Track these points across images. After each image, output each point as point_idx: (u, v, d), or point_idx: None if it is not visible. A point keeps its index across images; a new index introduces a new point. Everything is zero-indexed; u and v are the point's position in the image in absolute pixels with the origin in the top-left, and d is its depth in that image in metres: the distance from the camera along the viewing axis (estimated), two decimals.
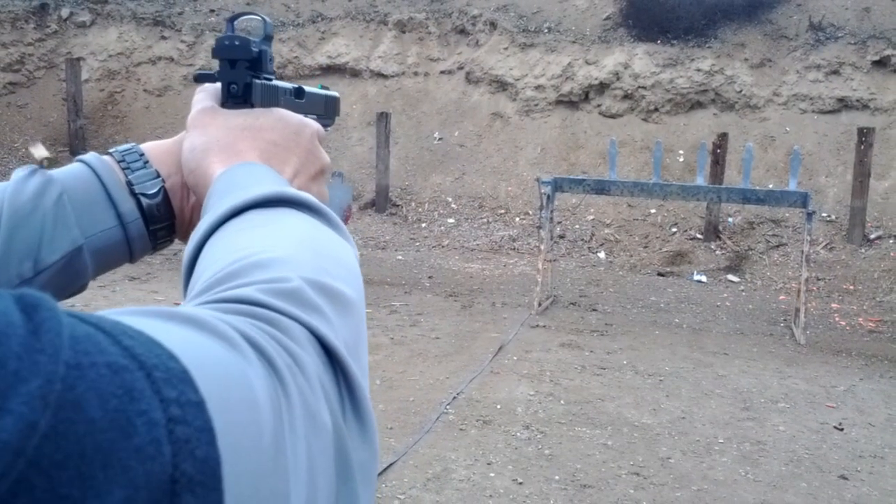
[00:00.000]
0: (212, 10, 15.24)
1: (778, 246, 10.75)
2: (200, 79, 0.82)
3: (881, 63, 12.16)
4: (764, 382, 6.12)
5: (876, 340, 7.77)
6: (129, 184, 0.76)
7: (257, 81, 0.79)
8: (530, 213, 11.66)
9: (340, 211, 8.99)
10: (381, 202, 12.49)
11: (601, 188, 8.26)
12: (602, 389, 5.75)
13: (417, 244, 11.47)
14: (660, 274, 10.29)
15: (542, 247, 8.10)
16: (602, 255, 10.96)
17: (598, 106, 13.07)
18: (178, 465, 0.32)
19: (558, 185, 8.20)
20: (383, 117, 12.34)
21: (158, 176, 0.77)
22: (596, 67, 13.10)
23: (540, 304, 7.95)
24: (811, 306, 8.44)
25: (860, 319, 8.51)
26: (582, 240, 11.30)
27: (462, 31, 14.35)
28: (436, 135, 13.57)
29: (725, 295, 9.37)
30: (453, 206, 12.35)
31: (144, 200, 0.76)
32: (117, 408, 0.31)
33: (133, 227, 0.76)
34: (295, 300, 0.48)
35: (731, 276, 10.13)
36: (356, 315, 0.54)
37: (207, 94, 0.80)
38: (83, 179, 0.74)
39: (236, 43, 0.79)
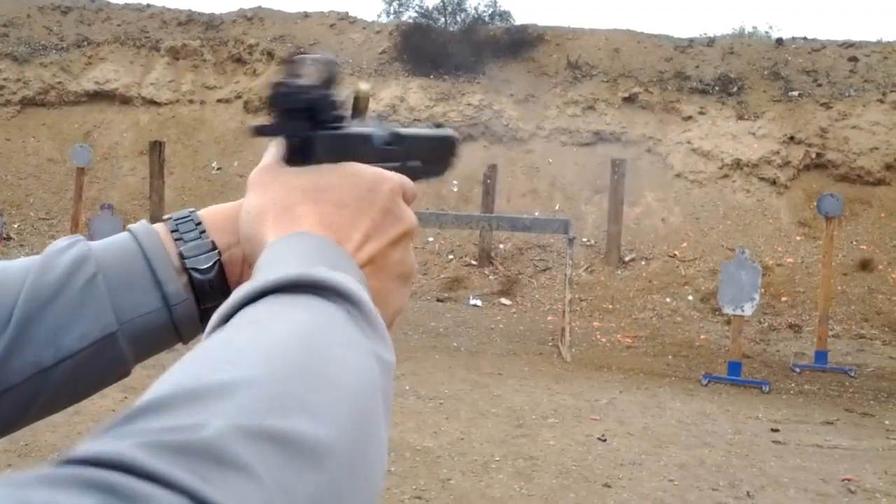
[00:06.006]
0: None
1: (545, 270, 11.45)
2: (261, 132, 0.68)
3: (630, 99, 13.35)
4: (535, 399, 6.49)
5: (633, 355, 8.48)
6: (182, 256, 0.67)
7: (320, 133, 0.67)
8: None
9: None
10: None
11: None
12: None
13: None
14: (438, 300, 10.64)
15: None
16: None
17: None
18: None
19: None
20: (156, 146, 11.77)
21: (214, 248, 0.68)
22: (373, 100, 13.35)
23: None
24: (575, 325, 9.06)
25: (619, 336, 9.24)
26: None
27: (239, 60, 14.18)
28: (214, 164, 13.28)
29: (499, 318, 9.85)
30: None
31: (196, 276, 0.67)
32: None
33: (180, 308, 0.66)
34: (196, 458, 0.34)
35: (503, 300, 10.66)
36: (331, 466, 0.39)
37: (278, 149, 0.69)
38: (125, 254, 0.66)
39: (289, 90, 0.65)
